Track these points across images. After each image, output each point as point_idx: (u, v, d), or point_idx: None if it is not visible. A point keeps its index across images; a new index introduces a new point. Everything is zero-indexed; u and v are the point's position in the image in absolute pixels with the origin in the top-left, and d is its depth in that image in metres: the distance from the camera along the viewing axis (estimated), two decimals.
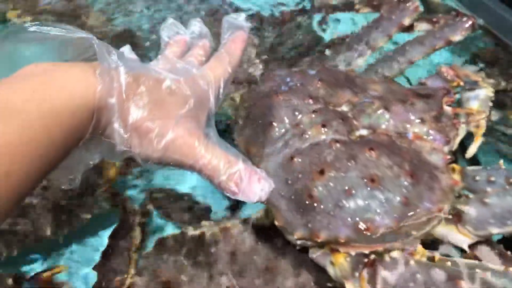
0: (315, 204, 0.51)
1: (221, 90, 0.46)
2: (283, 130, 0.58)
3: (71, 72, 0.36)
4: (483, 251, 0.54)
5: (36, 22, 0.38)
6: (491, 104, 0.70)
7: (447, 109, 0.60)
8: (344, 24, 1.05)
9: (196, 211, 0.73)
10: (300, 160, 0.54)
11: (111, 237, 0.67)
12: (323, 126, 0.56)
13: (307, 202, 0.51)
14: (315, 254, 0.53)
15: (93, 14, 0.98)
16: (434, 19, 0.82)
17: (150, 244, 0.64)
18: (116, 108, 0.38)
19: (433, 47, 0.75)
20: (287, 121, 0.59)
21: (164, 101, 0.40)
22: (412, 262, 0.48)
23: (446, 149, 0.56)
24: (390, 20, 0.78)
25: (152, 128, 0.39)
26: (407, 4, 0.78)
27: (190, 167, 0.41)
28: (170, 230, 0.71)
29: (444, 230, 0.52)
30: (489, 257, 0.53)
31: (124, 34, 0.96)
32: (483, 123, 0.68)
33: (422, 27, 0.84)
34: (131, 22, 1.00)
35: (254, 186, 0.42)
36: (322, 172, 0.51)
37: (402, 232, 0.50)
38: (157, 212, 0.73)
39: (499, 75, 0.87)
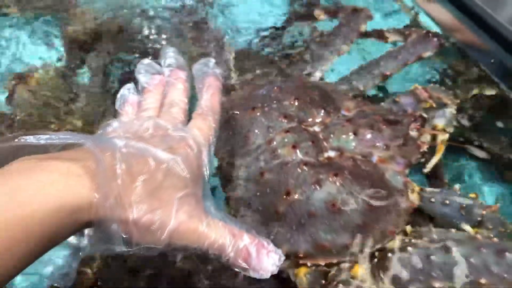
0: (280, 220, 0.55)
1: (211, 151, 0.47)
2: (256, 145, 0.62)
3: (53, 174, 0.35)
4: None
5: (21, 133, 0.38)
6: (454, 122, 0.74)
7: (413, 134, 0.64)
8: None
9: None
10: (270, 176, 0.58)
11: None
12: (294, 147, 0.59)
13: (272, 216, 0.56)
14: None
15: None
16: (407, 32, 0.86)
17: None
18: (114, 210, 0.36)
19: (405, 62, 0.78)
20: (261, 136, 0.62)
21: (162, 186, 0.39)
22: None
23: (407, 171, 0.61)
24: (349, 27, 0.82)
25: (154, 220, 0.38)
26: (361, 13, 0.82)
27: (196, 249, 0.40)
28: None
29: (364, 275, 0.55)
30: None
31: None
32: (445, 140, 0.73)
33: (393, 38, 0.88)
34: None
35: (264, 261, 0.41)
36: (288, 193, 0.55)
37: (355, 250, 0.55)
38: None
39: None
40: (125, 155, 0.39)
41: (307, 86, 0.69)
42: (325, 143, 0.61)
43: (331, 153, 0.61)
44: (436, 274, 0.52)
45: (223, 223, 0.42)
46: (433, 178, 0.75)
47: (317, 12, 1.00)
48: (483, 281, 0.50)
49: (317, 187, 0.55)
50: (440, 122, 0.74)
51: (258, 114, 0.64)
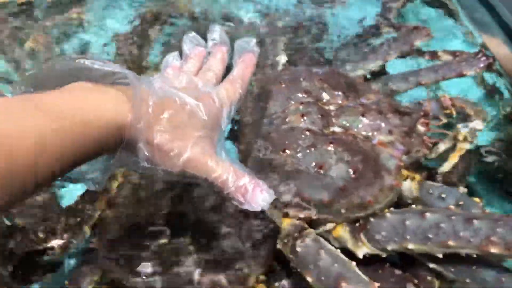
0: (273, 171, 0.63)
1: (232, 111, 0.54)
2: (273, 111, 0.70)
3: (107, 95, 0.43)
4: None
5: (82, 56, 0.45)
6: (477, 135, 0.76)
7: (420, 128, 0.67)
8: None
9: None
10: (275, 136, 0.65)
11: None
12: (302, 116, 0.66)
13: (267, 168, 0.64)
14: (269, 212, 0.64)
15: None
16: (457, 53, 0.89)
17: None
18: (143, 132, 0.44)
19: (444, 76, 0.81)
20: (279, 105, 0.70)
21: (184, 123, 0.47)
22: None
23: (404, 158, 0.64)
24: (404, 39, 0.86)
25: (173, 148, 0.45)
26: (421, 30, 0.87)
27: (204, 179, 0.47)
28: None
29: (345, 235, 0.61)
30: None
31: None
32: (464, 148, 0.74)
33: (446, 57, 0.91)
34: None
35: (258, 197, 0.47)
36: (284, 150, 0.62)
37: (334, 210, 0.60)
38: None
39: None
40: (158, 92, 0.46)
41: (335, 73, 0.75)
42: (334, 120, 0.67)
43: (337, 129, 0.66)
44: (410, 236, 0.56)
45: (230, 163, 0.49)
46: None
47: (382, 27, 1.06)
48: (451, 243, 0.54)
49: (312, 149, 0.62)
50: (463, 130, 0.76)
51: (283, 86, 0.72)
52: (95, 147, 0.42)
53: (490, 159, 0.83)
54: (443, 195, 0.63)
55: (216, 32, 0.61)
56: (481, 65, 0.82)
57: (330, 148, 0.62)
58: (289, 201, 0.61)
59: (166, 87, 0.49)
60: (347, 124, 0.66)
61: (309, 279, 0.55)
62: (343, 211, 0.60)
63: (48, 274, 0.65)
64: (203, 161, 0.47)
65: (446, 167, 0.74)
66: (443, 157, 0.78)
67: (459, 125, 0.77)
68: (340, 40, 1.04)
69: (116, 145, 0.44)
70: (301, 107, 0.68)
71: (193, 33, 0.62)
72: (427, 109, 0.68)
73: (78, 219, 0.67)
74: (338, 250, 0.57)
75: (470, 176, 0.81)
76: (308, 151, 0.62)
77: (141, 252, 0.60)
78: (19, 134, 0.35)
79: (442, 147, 0.76)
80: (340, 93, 0.71)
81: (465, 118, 0.77)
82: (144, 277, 0.59)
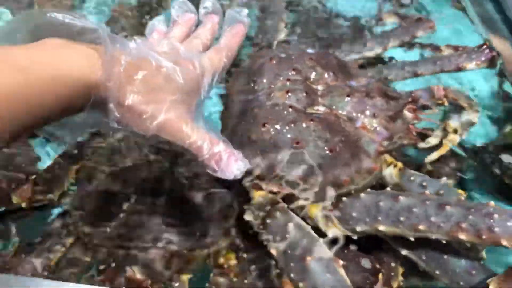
0: (250, 145, 0.62)
1: (214, 80, 0.52)
2: (260, 87, 0.69)
3: (77, 52, 0.42)
4: None
5: (54, 9, 0.43)
6: (470, 128, 0.74)
7: (407, 114, 0.66)
8: None
9: None
10: (257, 111, 0.65)
11: None
12: (287, 92, 0.65)
13: (246, 141, 0.63)
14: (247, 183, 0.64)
15: None
16: (460, 48, 0.87)
17: None
18: (113, 91, 0.42)
19: (442, 68, 0.79)
20: (267, 81, 0.69)
21: (160, 86, 0.45)
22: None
23: (385, 143, 0.63)
24: (406, 29, 0.84)
25: (146, 110, 0.44)
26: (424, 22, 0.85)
27: (178, 144, 0.47)
28: None
29: (317, 214, 0.59)
30: None
31: None
32: (454, 140, 0.73)
33: (448, 51, 0.89)
34: None
35: (232, 165, 0.47)
36: (264, 124, 0.61)
37: (307, 187, 0.60)
38: None
39: None
40: (132, 52, 0.45)
41: (328, 55, 0.74)
42: (320, 99, 0.66)
43: (321, 108, 0.65)
44: (381, 217, 0.55)
45: (206, 131, 0.49)
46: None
47: (386, 15, 1.04)
48: (421, 227, 0.53)
49: (292, 125, 0.61)
50: (453, 123, 0.74)
51: (274, 62, 0.71)
52: (64, 104, 0.41)
53: (485, 158, 0.81)
54: (424, 183, 0.62)
55: (209, 1, 0.59)
56: (483, 58, 0.79)
57: (310, 125, 0.61)
58: (263, 174, 0.60)
59: (143, 48, 0.47)
60: (332, 104, 0.65)
61: (274, 252, 0.54)
62: (316, 188, 0.59)
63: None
64: (177, 127, 0.46)
65: (433, 156, 0.73)
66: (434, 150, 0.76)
67: (451, 117, 0.75)
68: (341, 24, 1.03)
69: (82, 106, 0.43)
70: (288, 83, 0.67)
71: None
72: (415, 95, 0.67)
73: (53, 178, 0.69)
74: (308, 226, 0.56)
75: (464, 173, 0.79)
76: (287, 127, 0.61)
77: (108, 211, 0.63)
78: None
79: (433, 140, 0.75)
80: (330, 73, 0.70)
81: (458, 110, 0.75)
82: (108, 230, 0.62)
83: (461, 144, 0.79)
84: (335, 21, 1.04)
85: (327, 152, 0.59)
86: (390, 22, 1.02)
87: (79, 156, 0.72)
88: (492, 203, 0.53)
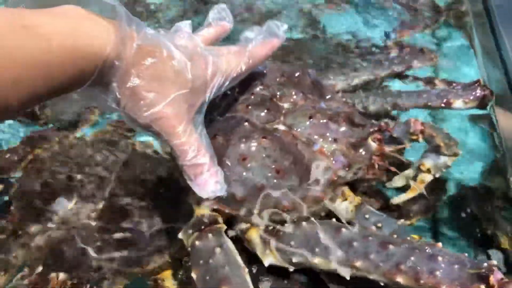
0: None
1: (226, 83, 0.52)
2: (230, 98, 0.65)
3: (98, 25, 0.41)
4: None
5: None
6: (444, 171, 0.69)
7: (371, 144, 0.62)
8: None
9: None
10: (216, 122, 0.62)
11: None
12: (248, 106, 0.62)
13: None
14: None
15: None
16: (454, 83, 0.82)
17: None
18: (119, 72, 0.42)
19: (426, 102, 0.75)
20: (233, 93, 0.66)
21: (166, 77, 0.44)
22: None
23: (341, 172, 0.59)
24: (402, 59, 0.81)
25: (145, 97, 0.43)
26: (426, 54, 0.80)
27: (165, 141, 0.46)
28: None
29: (255, 239, 0.56)
30: None
31: None
32: (425, 180, 0.68)
33: (441, 86, 0.85)
34: None
35: (210, 185, 0.47)
36: (215, 136, 0.58)
37: (246, 208, 0.56)
38: None
39: None
40: (146, 37, 0.44)
41: (304, 74, 0.70)
42: (282, 118, 0.63)
43: (281, 126, 0.62)
44: (319, 250, 0.51)
45: (198, 137, 0.47)
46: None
47: (390, 44, 1.00)
48: (358, 264, 0.49)
49: (243, 140, 0.57)
50: (428, 162, 0.69)
51: (252, 77, 0.67)
52: (78, 76, 0.40)
53: (465, 194, 0.76)
54: (379, 224, 0.58)
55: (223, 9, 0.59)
56: (471, 96, 0.75)
57: (261, 143, 0.57)
58: None
59: (159, 36, 0.45)
60: (293, 124, 0.62)
61: (194, 276, 0.50)
62: (255, 211, 0.55)
63: None
64: (170, 123, 0.45)
65: (400, 199, 0.68)
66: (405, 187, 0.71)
67: (428, 156, 0.70)
68: (339, 48, 1.00)
69: (86, 80, 0.42)
70: (252, 97, 0.64)
71: (224, 5, 0.59)
72: (383, 125, 0.62)
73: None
74: (237, 253, 0.52)
75: (440, 208, 0.73)
76: (238, 141, 0.57)
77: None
78: (3, 51, 0.34)
79: (398, 181, 0.70)
80: (299, 93, 0.66)
81: (436, 149, 0.70)
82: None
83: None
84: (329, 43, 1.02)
85: (274, 172, 0.55)
86: (393, 51, 0.98)
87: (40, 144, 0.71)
88: (439, 244, 0.48)
